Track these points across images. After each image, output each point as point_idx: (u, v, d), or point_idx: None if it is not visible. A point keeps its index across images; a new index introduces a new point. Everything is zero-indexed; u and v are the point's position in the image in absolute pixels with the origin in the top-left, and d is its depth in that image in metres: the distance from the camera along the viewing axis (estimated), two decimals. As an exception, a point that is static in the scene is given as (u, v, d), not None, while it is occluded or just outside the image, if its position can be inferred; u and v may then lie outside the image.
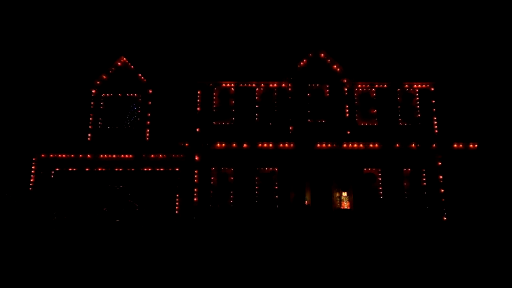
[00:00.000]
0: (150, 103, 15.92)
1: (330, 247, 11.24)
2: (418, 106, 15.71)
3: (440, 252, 10.38)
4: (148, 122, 15.72)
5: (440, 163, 14.76)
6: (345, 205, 14.81)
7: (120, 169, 14.97)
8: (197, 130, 15.38)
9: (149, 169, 15.06)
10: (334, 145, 14.49)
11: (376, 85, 15.82)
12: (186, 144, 14.48)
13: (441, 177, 14.68)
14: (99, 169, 14.95)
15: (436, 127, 15.50)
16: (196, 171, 14.70)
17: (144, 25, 25.10)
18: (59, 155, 14.89)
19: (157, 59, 19.64)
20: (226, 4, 26.95)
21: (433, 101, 15.69)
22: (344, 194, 14.95)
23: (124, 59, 16.15)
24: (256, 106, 15.74)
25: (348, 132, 15.22)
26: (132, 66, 16.15)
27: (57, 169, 14.95)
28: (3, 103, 18.88)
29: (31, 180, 14.75)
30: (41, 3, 24.56)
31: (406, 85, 15.83)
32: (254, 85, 15.82)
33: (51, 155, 14.88)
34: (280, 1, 27.33)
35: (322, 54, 15.84)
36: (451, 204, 14.48)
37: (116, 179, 14.99)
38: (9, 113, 18.62)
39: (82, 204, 14.65)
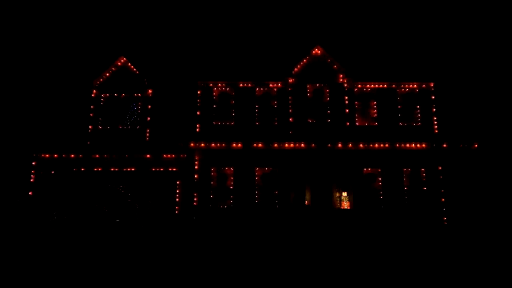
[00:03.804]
0: (150, 103, 15.92)
1: (330, 247, 11.24)
2: (418, 106, 15.70)
3: (440, 252, 10.38)
4: (148, 122, 15.72)
5: (440, 163, 14.75)
6: (345, 205, 14.81)
7: (120, 169, 14.96)
8: (197, 130, 15.38)
9: (149, 169, 15.04)
10: (334, 145, 14.49)
11: (376, 85, 15.81)
12: (186, 144, 14.48)
13: (441, 177, 14.67)
14: (99, 169, 14.94)
15: (436, 127, 15.50)
16: (196, 171, 14.70)
17: (144, 25, 25.10)
18: (59, 155, 14.88)
19: (157, 59, 19.64)
20: (226, 4, 26.95)
21: (433, 101, 15.69)
22: (344, 194, 14.94)
23: (124, 59, 16.15)
24: (256, 106, 15.74)
25: (348, 132, 15.22)
26: (132, 66, 16.15)
27: (57, 169, 14.93)
28: (3, 103, 18.88)
29: (31, 180, 14.75)
30: (41, 3, 24.56)
31: (406, 85, 15.82)
32: (254, 85, 15.82)
33: (51, 155, 14.88)
34: (280, 1, 27.33)
35: (322, 54, 15.84)
36: (451, 204, 14.47)
37: (116, 179, 14.98)
38: (9, 113, 18.62)
39: (82, 204, 14.64)
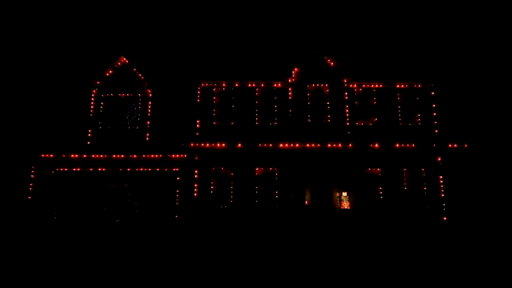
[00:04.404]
0: (150, 103, 15.93)
1: (330, 247, 11.25)
2: (418, 106, 15.70)
3: (440, 252, 10.39)
4: (148, 122, 15.72)
5: (440, 163, 14.76)
6: (345, 205, 14.82)
7: (120, 169, 14.96)
8: (197, 130, 15.38)
9: (149, 169, 15.05)
10: (334, 145, 14.50)
11: (376, 85, 15.81)
12: (186, 144, 14.48)
13: (441, 177, 14.68)
14: (99, 169, 14.94)
15: (436, 127, 15.50)
16: (196, 171, 14.71)
17: (144, 25, 25.09)
18: (59, 155, 14.88)
19: (157, 59, 19.62)
20: (226, 4, 26.94)
21: (433, 101, 15.69)
22: (344, 194, 14.95)
23: (124, 59, 16.15)
24: (256, 106, 15.74)
25: (348, 132, 15.23)
26: (132, 66, 16.15)
27: (57, 169, 14.94)
28: (3, 103, 18.87)
29: (31, 180, 14.75)
30: (41, 3, 24.55)
31: (406, 85, 15.82)
32: (254, 85, 15.82)
33: (51, 155, 14.88)
34: (280, 1, 27.32)
35: (322, 54, 15.84)
36: (451, 204, 14.48)
37: (116, 179, 14.98)
38: (9, 113, 18.61)
39: (82, 204, 14.65)
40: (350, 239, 12.66)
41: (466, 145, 14.52)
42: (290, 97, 15.56)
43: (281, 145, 14.45)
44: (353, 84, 15.77)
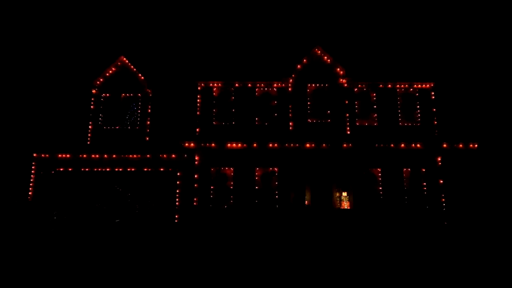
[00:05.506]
0: (150, 103, 15.93)
1: (330, 247, 11.24)
2: (418, 106, 15.70)
3: (439, 252, 10.38)
4: (148, 122, 15.73)
5: (440, 163, 14.75)
6: (345, 205, 14.81)
7: (120, 169, 14.97)
8: (197, 130, 15.39)
9: (149, 169, 15.06)
10: (334, 145, 14.48)
11: (376, 85, 15.81)
12: (186, 144, 14.48)
13: (441, 177, 14.67)
14: (99, 169, 14.95)
15: (436, 127, 15.49)
16: (196, 171, 14.70)
17: (144, 25, 25.10)
18: (59, 155, 14.88)
19: (157, 59, 19.66)
20: (226, 4, 26.96)
21: (433, 101, 15.68)
22: (344, 194, 14.94)
23: (124, 59, 16.15)
24: (256, 106, 15.75)
25: (348, 132, 15.23)
26: (131, 66, 16.16)
27: (57, 169, 14.94)
28: (3, 103, 18.88)
29: (31, 180, 14.75)
30: (41, 3, 24.56)
31: (406, 85, 15.81)
32: (253, 85, 15.82)
33: (51, 155, 14.88)
34: (280, 1, 27.33)
35: (322, 54, 15.83)
36: (451, 204, 14.47)
37: (116, 179, 14.98)
38: (9, 113, 18.62)
39: (82, 204, 14.65)
40: (350, 239, 12.65)
41: (466, 145, 14.51)
42: (290, 97, 15.54)
43: (281, 145, 14.44)
44: (353, 84, 15.77)
